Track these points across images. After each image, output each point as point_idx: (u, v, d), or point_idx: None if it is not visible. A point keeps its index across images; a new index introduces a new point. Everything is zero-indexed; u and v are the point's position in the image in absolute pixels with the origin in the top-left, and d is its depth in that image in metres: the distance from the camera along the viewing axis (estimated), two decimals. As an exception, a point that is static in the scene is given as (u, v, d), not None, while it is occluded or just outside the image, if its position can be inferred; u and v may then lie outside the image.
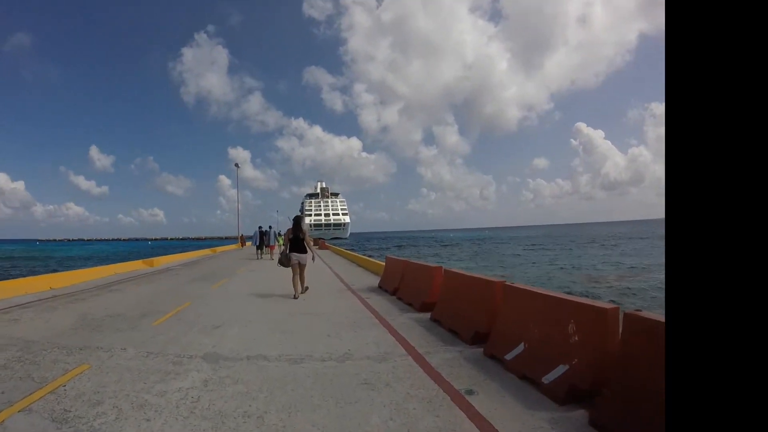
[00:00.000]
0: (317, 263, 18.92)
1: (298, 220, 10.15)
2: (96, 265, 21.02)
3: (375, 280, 12.83)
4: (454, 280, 6.97)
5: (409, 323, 7.01)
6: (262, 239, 25.24)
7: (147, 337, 6.31)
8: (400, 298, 9.15)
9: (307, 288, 10.27)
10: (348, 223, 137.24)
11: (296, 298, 9.66)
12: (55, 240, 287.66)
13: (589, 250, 49.26)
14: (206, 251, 35.05)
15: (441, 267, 7.93)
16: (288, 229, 10.36)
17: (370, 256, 21.86)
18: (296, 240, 9.93)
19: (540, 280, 23.29)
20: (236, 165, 52.40)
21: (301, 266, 9.95)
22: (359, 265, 19.05)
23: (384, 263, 14.34)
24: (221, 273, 16.68)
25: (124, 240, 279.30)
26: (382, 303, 8.96)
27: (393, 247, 71.37)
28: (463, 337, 5.82)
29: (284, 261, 10.00)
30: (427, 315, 7.34)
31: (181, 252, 32.64)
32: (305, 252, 9.94)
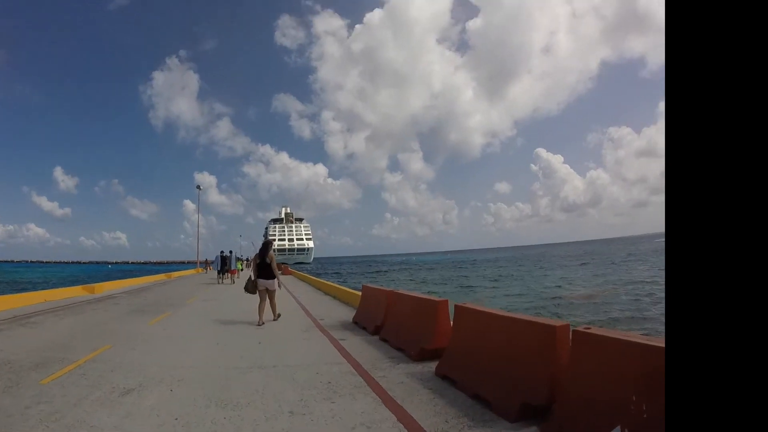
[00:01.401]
0: (279, 291, 16.72)
1: (266, 245, 9.60)
2: (45, 289, 18.54)
3: (347, 313, 10.80)
4: (476, 320, 4.94)
5: (409, 383, 4.91)
6: (224, 263, 24.71)
7: (18, 408, 4.17)
8: (385, 340, 7.09)
9: (279, 315, 9.68)
10: (312, 248, 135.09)
11: (259, 326, 8.93)
12: (13, 261, 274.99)
13: (560, 271, 47.45)
14: (161, 276, 32.33)
15: (446, 301, 5.95)
16: (255, 255, 9.92)
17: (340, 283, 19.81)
18: (263, 265, 9.32)
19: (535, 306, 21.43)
20: (198, 187, 49.93)
21: (270, 292, 9.37)
22: (326, 293, 16.80)
23: (359, 292, 12.52)
24: (168, 302, 14.25)
25: (84, 263, 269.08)
26: (363, 347, 6.85)
27: (364, 273, 68.53)
28: (499, 410, 3.82)
29: (250, 288, 9.57)
30: (430, 367, 5.35)
31: (134, 277, 29.97)
32: (273, 278, 9.30)
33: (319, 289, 19.10)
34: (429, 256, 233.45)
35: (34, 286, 30.75)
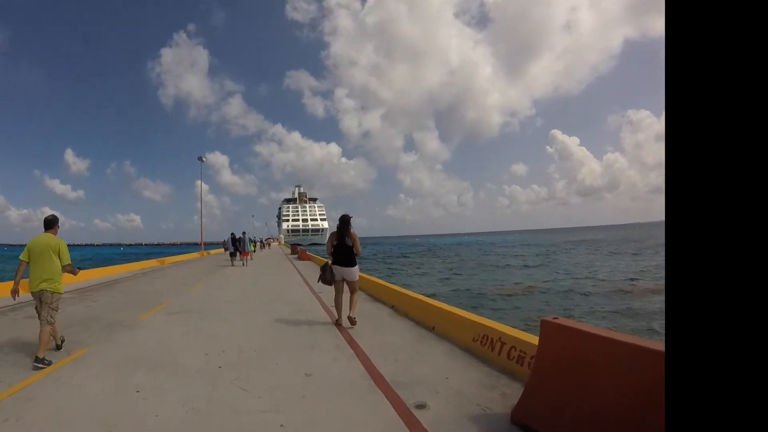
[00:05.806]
0: (296, 295, 10.72)
1: (345, 221, 7.12)
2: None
3: (456, 367, 4.80)
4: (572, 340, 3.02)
5: None
6: (236, 246, 23.55)
7: None
8: None
9: (355, 322, 6.91)
10: (326, 228, 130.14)
11: (339, 325, 7.04)
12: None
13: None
14: (153, 262, 26.72)
15: None
16: (331, 234, 7.35)
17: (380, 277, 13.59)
18: (342, 248, 7.02)
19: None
20: (200, 159, 44.15)
21: (349, 284, 7.12)
22: (374, 298, 10.44)
23: (447, 307, 6.74)
24: (108, 319, 8.14)
25: (96, 245, 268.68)
26: None
27: (393, 257, 61.35)
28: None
29: (328, 277, 7.25)
30: None
31: (139, 261, 26.19)
32: (353, 264, 7.06)
33: (360, 288, 12.02)
34: (445, 239, 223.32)
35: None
